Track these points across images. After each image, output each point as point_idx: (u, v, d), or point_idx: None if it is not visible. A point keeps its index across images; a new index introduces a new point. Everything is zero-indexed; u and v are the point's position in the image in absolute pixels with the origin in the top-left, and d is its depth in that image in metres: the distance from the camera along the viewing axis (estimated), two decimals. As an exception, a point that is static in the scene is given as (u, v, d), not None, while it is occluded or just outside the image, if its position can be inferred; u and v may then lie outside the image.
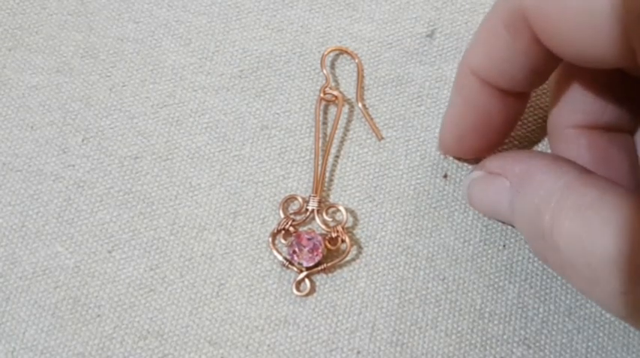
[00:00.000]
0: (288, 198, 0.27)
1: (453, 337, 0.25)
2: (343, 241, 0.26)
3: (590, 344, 0.25)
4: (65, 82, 0.29)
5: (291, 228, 0.26)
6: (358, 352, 0.25)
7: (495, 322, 0.25)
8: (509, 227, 0.27)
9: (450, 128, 0.26)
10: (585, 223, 0.20)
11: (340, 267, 0.26)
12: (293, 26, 0.30)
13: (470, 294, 0.26)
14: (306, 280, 0.26)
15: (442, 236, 0.27)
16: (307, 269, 0.26)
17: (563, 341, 0.25)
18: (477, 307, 0.26)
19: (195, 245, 0.26)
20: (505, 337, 0.25)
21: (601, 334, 0.26)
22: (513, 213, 0.23)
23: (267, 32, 0.30)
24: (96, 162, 0.27)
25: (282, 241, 0.26)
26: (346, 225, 0.27)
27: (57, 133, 0.28)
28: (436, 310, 0.26)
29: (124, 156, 0.28)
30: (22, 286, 0.26)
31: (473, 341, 0.25)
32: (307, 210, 0.27)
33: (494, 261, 0.26)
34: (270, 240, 0.26)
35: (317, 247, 0.26)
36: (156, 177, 0.27)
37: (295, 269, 0.26)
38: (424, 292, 0.26)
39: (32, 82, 0.29)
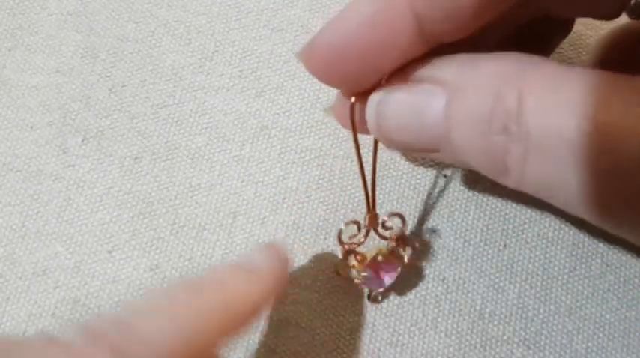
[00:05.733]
0: (345, 226, 0.25)
1: (453, 337, 0.25)
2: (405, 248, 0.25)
3: (590, 344, 0.25)
4: (65, 82, 0.29)
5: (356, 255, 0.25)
6: (359, 352, 0.25)
7: (495, 322, 0.25)
8: (510, 226, 0.27)
9: (347, 30, 0.20)
10: (557, 98, 0.17)
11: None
12: (293, 26, 0.30)
13: (470, 295, 0.26)
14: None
15: (442, 236, 0.27)
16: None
17: (563, 341, 0.25)
18: (477, 307, 0.26)
19: (195, 245, 0.26)
20: (505, 337, 0.25)
21: (601, 335, 0.26)
22: (450, 122, 0.19)
23: (267, 32, 0.30)
24: (96, 162, 0.27)
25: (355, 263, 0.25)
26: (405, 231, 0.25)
27: (57, 133, 0.28)
28: (436, 310, 0.26)
29: (124, 156, 0.28)
30: (22, 286, 0.26)
31: (473, 342, 0.25)
32: (363, 229, 0.25)
33: (494, 261, 0.26)
34: (339, 267, 0.25)
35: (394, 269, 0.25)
36: (156, 177, 0.27)
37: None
38: (424, 292, 0.26)
39: (32, 82, 0.29)
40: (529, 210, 0.27)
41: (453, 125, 0.19)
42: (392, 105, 0.20)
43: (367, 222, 0.25)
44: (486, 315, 0.26)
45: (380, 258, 0.25)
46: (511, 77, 0.17)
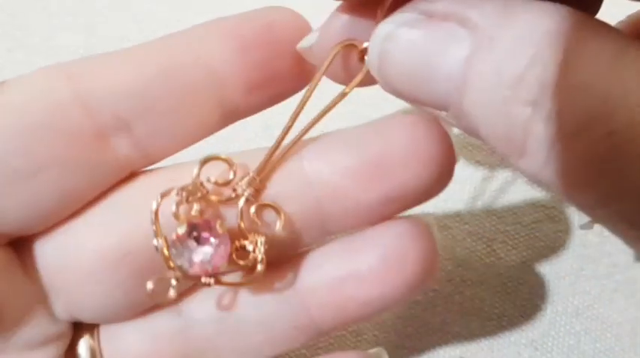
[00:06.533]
0: (211, 159, 0.18)
1: (461, 339, 0.25)
2: (255, 263, 0.17)
3: (597, 345, 0.25)
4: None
5: (198, 204, 0.17)
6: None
7: (504, 324, 0.25)
8: (518, 227, 0.26)
9: None
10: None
11: None
12: (295, 25, 0.30)
13: (478, 296, 0.26)
14: (172, 281, 0.17)
15: (449, 236, 0.26)
16: (185, 275, 0.17)
17: (571, 342, 0.25)
18: (486, 308, 0.26)
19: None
20: (513, 339, 0.25)
21: (608, 335, 0.25)
22: (468, 79, 0.15)
23: (270, 32, 0.30)
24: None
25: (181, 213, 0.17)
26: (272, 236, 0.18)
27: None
28: (444, 312, 0.25)
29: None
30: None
31: (481, 344, 0.25)
32: (235, 190, 0.18)
33: (502, 261, 0.26)
34: (157, 201, 0.17)
35: (221, 256, 0.17)
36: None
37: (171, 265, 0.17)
38: (432, 294, 0.26)
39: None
40: (537, 211, 0.27)
41: (471, 83, 0.14)
42: (402, 43, 0.15)
43: (247, 186, 0.18)
44: (494, 317, 0.25)
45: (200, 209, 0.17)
46: (557, 38, 0.13)
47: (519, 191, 0.25)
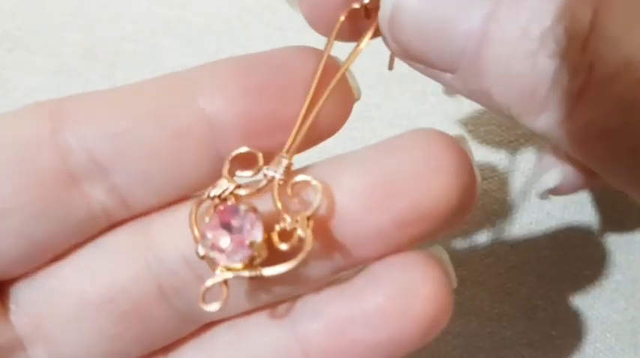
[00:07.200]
0: (241, 155, 0.16)
1: (461, 339, 0.25)
2: (301, 239, 0.15)
3: (598, 345, 0.25)
4: (65, 83, 0.29)
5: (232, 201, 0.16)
6: (364, 355, 0.25)
7: (504, 324, 0.25)
8: (517, 227, 0.26)
9: None
10: None
11: None
12: (295, 25, 0.30)
13: (478, 296, 0.26)
14: (224, 287, 0.15)
15: (449, 237, 0.26)
16: (228, 269, 0.15)
17: (571, 342, 0.25)
18: (485, 309, 0.25)
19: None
20: (513, 339, 0.25)
21: (609, 335, 0.25)
22: (487, 37, 0.14)
23: (269, 31, 0.30)
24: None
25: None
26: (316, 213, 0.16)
27: (57, 135, 0.28)
28: (444, 312, 0.25)
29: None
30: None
31: (481, 344, 0.25)
32: (265, 175, 0.16)
33: (502, 261, 0.26)
34: (193, 209, 0.16)
35: (243, 236, 0.15)
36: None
37: (219, 268, 0.16)
38: (431, 294, 0.26)
39: (32, 83, 0.29)
40: (536, 211, 0.27)
41: (492, 39, 0.14)
42: (412, 10, 0.15)
43: (277, 167, 0.16)
44: (494, 317, 0.25)
45: (243, 207, 0.16)
46: None
47: (519, 191, 0.25)
